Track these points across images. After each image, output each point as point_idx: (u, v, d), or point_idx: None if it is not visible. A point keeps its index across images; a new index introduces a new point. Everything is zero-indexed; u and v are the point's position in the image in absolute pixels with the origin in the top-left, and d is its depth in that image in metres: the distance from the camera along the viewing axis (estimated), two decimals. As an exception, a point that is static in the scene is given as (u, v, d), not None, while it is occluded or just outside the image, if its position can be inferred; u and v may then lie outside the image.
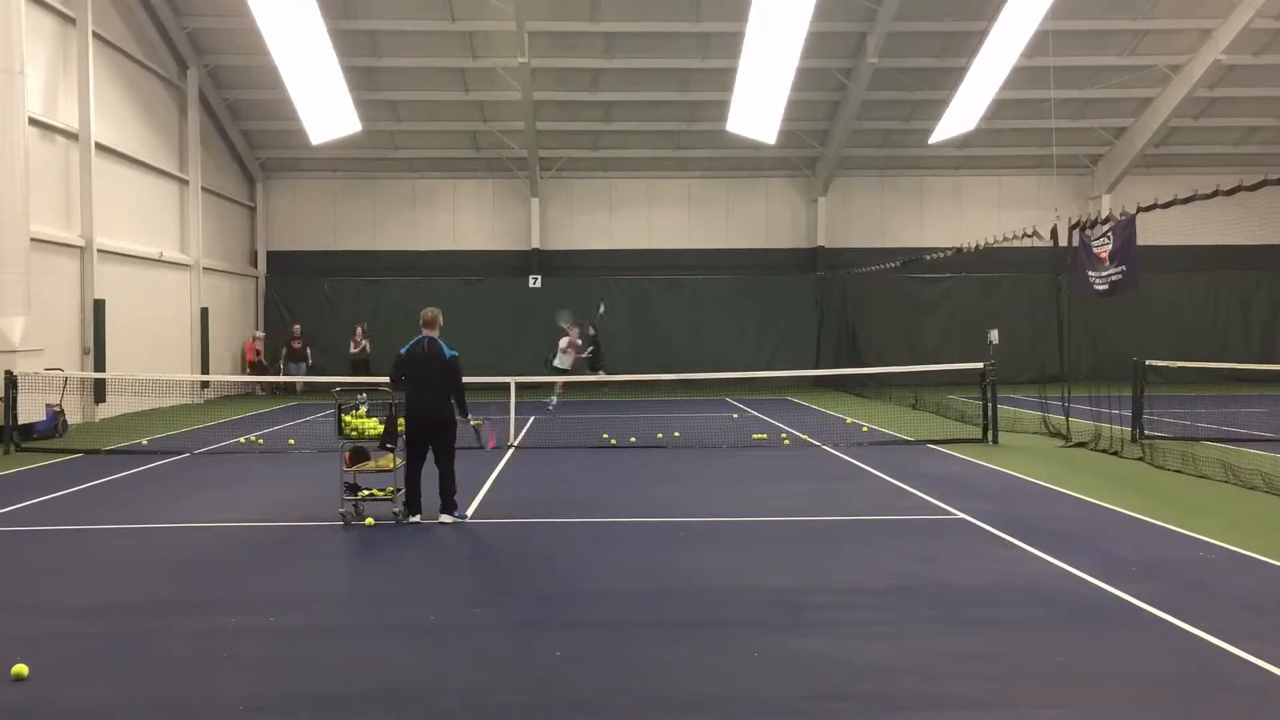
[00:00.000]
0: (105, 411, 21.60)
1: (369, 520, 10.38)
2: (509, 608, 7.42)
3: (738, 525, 10.38)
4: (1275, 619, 6.93)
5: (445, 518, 10.42)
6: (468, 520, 10.51)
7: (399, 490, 10.60)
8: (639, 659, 6.27)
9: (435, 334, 10.67)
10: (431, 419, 10.51)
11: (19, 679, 5.88)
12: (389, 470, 10.66)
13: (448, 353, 10.60)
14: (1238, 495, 11.69)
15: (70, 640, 6.71)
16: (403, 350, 10.69)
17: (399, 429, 10.58)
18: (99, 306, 21.13)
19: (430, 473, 10.52)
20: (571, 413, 22.30)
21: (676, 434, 17.99)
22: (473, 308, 29.48)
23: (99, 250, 21.24)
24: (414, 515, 10.50)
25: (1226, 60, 26.81)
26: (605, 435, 17.72)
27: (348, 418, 10.82)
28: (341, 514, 10.45)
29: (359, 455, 10.67)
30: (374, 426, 10.84)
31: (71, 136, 20.83)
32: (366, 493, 10.61)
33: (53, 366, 18.83)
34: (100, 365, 20.96)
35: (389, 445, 10.58)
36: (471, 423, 10.85)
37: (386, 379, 11.58)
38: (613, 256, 31.70)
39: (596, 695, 5.65)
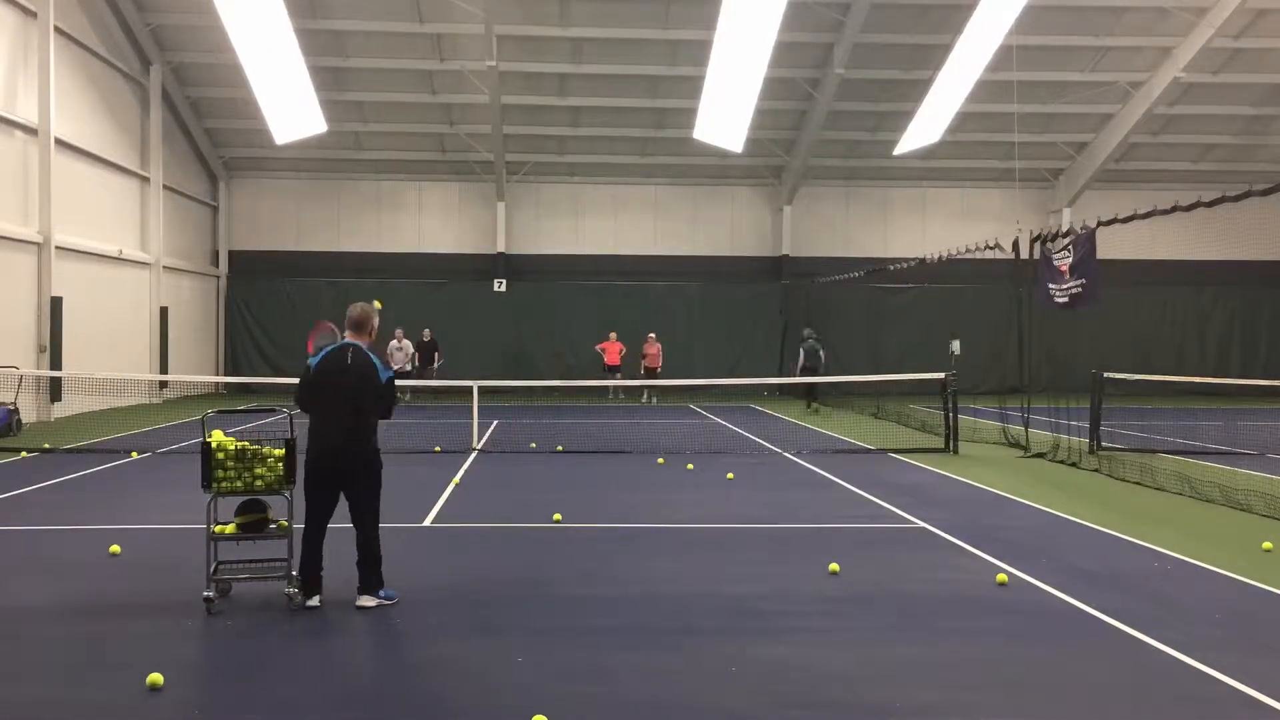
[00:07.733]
0: (61, 410, 21.27)
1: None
2: (468, 610, 7.38)
3: (699, 532, 10.37)
4: (1230, 630, 7.02)
5: (365, 600, 7.43)
6: (396, 600, 7.51)
7: (286, 560, 7.48)
8: (600, 665, 6.24)
9: (365, 342, 7.63)
10: (346, 458, 7.47)
11: None
12: (281, 535, 7.54)
13: (382, 373, 7.51)
14: (1194, 507, 11.83)
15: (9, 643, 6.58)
16: (311, 361, 7.54)
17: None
18: (56, 304, 20.80)
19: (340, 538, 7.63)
20: (537, 417, 22.23)
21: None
22: (437, 311, 29.48)
23: (57, 247, 20.92)
24: (312, 598, 7.40)
25: (1186, 78, 27.25)
26: (560, 448, 17.64)
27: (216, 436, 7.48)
28: (207, 598, 7.26)
29: (252, 508, 7.59)
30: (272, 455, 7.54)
31: (31, 131, 20.51)
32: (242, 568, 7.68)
33: (7, 364, 18.53)
34: (57, 363, 20.64)
35: (284, 490, 7.56)
36: None
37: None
38: (578, 262, 31.67)
39: (558, 701, 5.62)
